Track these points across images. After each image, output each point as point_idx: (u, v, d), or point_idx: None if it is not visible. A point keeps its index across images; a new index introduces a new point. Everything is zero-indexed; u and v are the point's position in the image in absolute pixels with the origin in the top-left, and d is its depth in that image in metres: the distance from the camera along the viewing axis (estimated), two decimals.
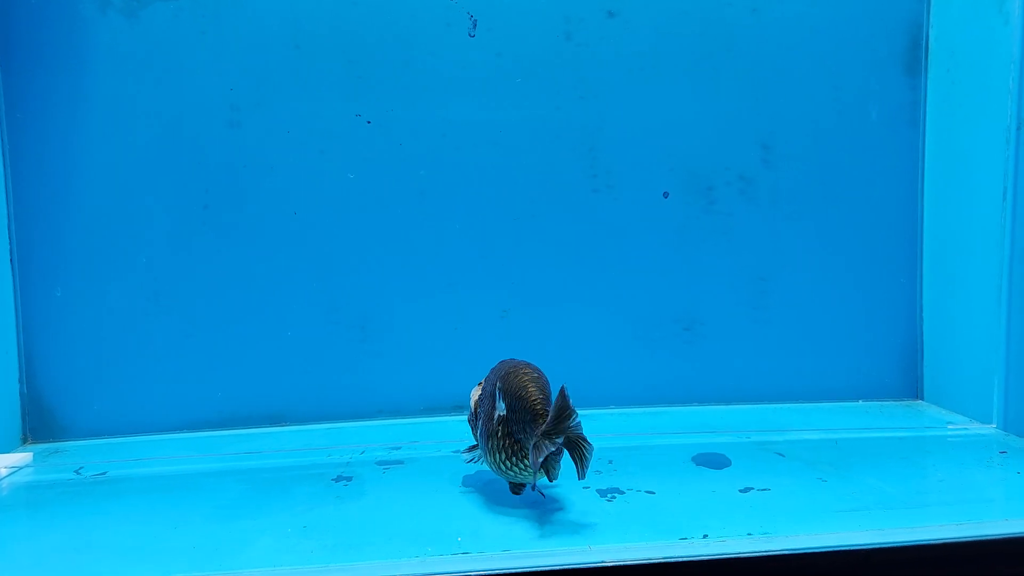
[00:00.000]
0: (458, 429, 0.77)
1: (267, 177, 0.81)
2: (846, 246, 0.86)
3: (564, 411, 0.46)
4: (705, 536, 0.45)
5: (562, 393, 0.45)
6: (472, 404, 0.57)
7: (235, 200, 0.80)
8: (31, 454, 0.69)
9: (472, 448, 0.59)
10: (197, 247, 0.80)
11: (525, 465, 0.49)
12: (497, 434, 0.50)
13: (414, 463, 0.65)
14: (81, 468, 0.67)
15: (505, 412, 0.50)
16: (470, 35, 0.82)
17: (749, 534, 0.45)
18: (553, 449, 0.46)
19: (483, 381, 0.57)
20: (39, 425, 0.78)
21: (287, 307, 0.81)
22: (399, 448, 0.70)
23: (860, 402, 0.86)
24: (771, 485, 0.56)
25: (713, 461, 0.63)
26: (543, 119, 0.83)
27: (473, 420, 0.56)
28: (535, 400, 0.48)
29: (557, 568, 0.41)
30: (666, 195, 0.85)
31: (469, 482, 0.59)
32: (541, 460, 0.46)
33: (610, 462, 0.63)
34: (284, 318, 0.81)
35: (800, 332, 0.87)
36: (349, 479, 0.61)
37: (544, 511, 0.52)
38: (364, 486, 0.59)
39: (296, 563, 0.43)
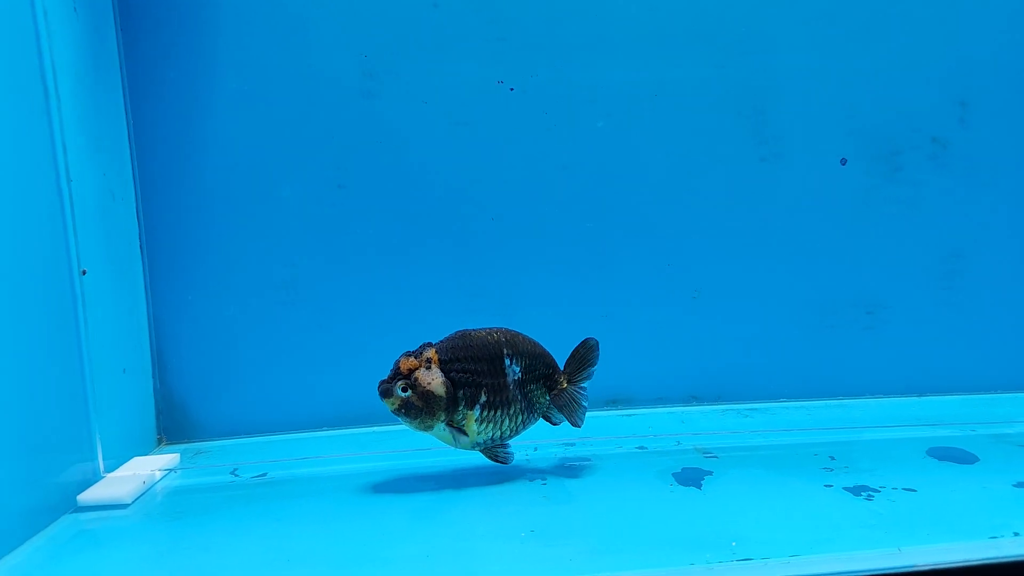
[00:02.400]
0: (624, 425, 0.74)
1: (402, 152, 0.78)
2: None
3: (587, 360, 0.58)
4: (1016, 534, 0.41)
5: (590, 344, 0.58)
6: (421, 389, 0.54)
7: (371, 178, 0.78)
8: (178, 455, 0.67)
9: (453, 426, 0.56)
10: (331, 230, 0.78)
11: (535, 418, 0.58)
12: (517, 398, 0.56)
13: (603, 460, 0.62)
14: (236, 469, 0.65)
15: (520, 375, 0.56)
16: None
17: None
18: (583, 394, 0.58)
19: (422, 363, 0.55)
20: (172, 425, 0.77)
21: (427, 292, 0.78)
22: (573, 445, 0.67)
23: None
24: None
25: (954, 455, 0.58)
26: (704, 79, 0.78)
27: (425, 405, 0.54)
28: (548, 355, 0.59)
29: (868, 574, 0.37)
30: (844, 162, 0.80)
31: (684, 479, 0.55)
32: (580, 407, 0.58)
33: (832, 458, 0.59)
34: (424, 304, 0.79)
35: (999, 316, 0.81)
36: (544, 478, 0.57)
37: (796, 511, 0.48)
38: (566, 486, 0.55)
39: (558, 571, 0.40)
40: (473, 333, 0.57)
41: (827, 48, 0.78)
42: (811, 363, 0.81)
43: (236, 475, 0.64)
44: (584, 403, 0.59)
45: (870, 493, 0.51)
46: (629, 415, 0.78)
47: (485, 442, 0.57)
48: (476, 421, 0.55)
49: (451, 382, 0.55)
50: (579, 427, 0.59)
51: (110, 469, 0.62)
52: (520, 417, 0.57)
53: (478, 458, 0.60)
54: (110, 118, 0.68)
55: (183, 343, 0.77)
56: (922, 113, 0.79)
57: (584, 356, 0.59)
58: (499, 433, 0.57)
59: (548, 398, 0.58)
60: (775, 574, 0.38)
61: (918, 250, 0.81)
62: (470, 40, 0.77)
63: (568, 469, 0.60)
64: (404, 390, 0.54)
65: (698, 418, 0.75)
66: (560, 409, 0.58)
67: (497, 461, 0.58)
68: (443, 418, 0.55)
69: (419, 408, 0.54)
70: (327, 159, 0.77)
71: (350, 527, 0.49)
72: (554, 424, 0.60)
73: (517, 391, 0.56)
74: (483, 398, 0.55)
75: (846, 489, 0.52)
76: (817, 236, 0.80)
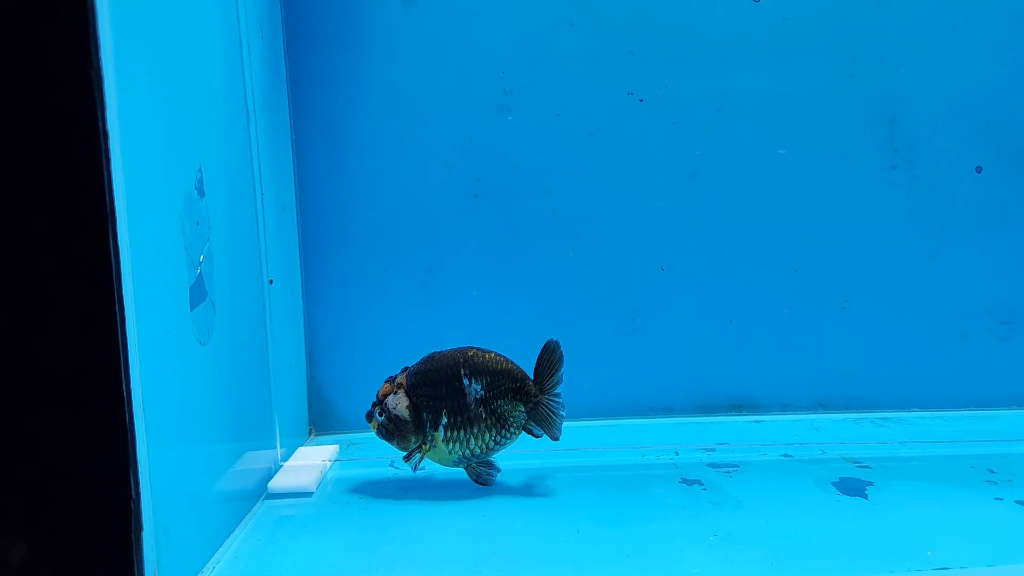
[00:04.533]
0: (757, 431, 0.74)
1: (535, 163, 0.79)
2: None
3: (552, 365, 0.56)
4: None
5: (550, 348, 0.56)
6: (390, 414, 0.57)
7: (504, 188, 0.80)
8: (337, 447, 0.71)
9: (412, 452, 0.58)
10: (467, 237, 0.80)
11: (512, 434, 0.57)
12: (482, 416, 0.55)
13: (750, 467, 0.62)
14: (392, 461, 0.68)
15: (483, 393, 0.55)
16: (754, 0, 0.78)
17: None
18: (558, 403, 0.57)
19: (394, 388, 0.58)
20: (319, 417, 0.81)
21: (555, 297, 0.80)
22: (713, 450, 0.68)
23: None
24: None
25: None
26: (835, 88, 0.78)
27: (396, 428, 0.57)
28: (514, 368, 0.57)
29: None
30: (979, 170, 0.77)
31: (846, 489, 0.55)
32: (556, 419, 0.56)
33: (991, 471, 0.58)
34: (552, 308, 0.80)
35: None
36: (700, 483, 0.58)
37: (974, 523, 0.48)
38: (727, 492, 0.56)
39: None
40: (436, 356, 0.58)
41: (961, 54, 0.77)
42: (943, 372, 0.79)
43: (395, 467, 0.66)
44: (561, 412, 0.57)
45: None
46: (758, 421, 0.78)
47: (462, 460, 0.57)
48: (443, 441, 0.56)
49: (415, 406, 0.56)
50: (557, 440, 0.57)
51: (284, 458, 0.66)
52: (488, 435, 0.56)
53: (630, 461, 0.62)
54: (281, 134, 0.72)
55: (330, 340, 0.81)
56: None
57: (548, 362, 0.57)
58: (468, 451, 0.57)
59: (523, 411, 0.57)
60: None
61: None
62: (602, 55, 0.78)
63: (720, 475, 0.60)
64: (380, 414, 0.58)
65: (831, 426, 0.74)
66: (538, 423, 0.57)
67: (478, 482, 0.58)
68: (414, 441, 0.57)
69: (392, 431, 0.57)
70: (465, 170, 0.79)
71: (534, 523, 0.51)
72: (535, 437, 0.58)
73: (481, 409, 0.56)
74: (444, 419, 0.56)
75: (1018, 502, 0.51)
76: (950, 244, 0.78)
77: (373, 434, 0.78)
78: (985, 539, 0.45)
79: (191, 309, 0.44)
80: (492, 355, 0.57)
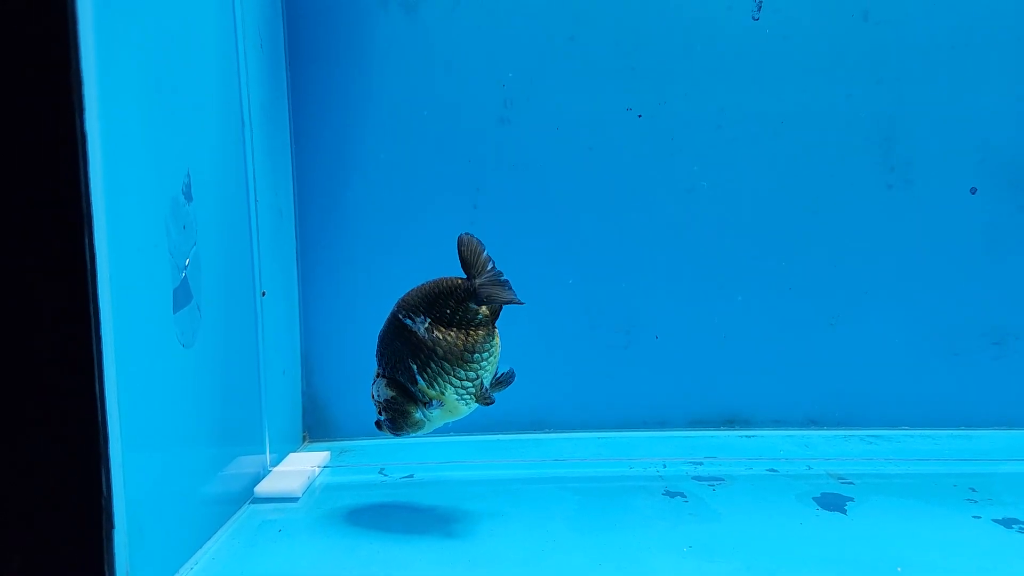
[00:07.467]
0: (746, 446, 0.73)
1: (535, 175, 0.80)
2: None
3: (473, 254, 0.53)
4: None
5: (462, 242, 0.53)
6: (381, 404, 0.55)
7: (503, 199, 0.80)
8: (328, 453, 0.71)
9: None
10: None
11: (485, 334, 0.52)
12: (439, 339, 0.52)
13: (735, 481, 0.62)
14: (383, 469, 0.68)
15: (429, 321, 0.52)
16: (753, 18, 0.78)
17: None
18: (495, 278, 0.53)
19: (379, 373, 0.55)
20: (315, 423, 0.81)
21: (550, 309, 0.80)
22: (701, 464, 0.67)
23: None
24: None
25: None
26: (832, 107, 0.77)
27: (394, 411, 0.54)
28: (441, 281, 0.54)
29: None
30: (974, 191, 0.77)
31: (826, 504, 0.55)
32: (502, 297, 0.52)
33: (973, 489, 0.57)
34: (547, 320, 0.80)
35: None
36: (683, 495, 0.58)
37: (949, 541, 0.47)
38: (708, 504, 0.56)
39: None
40: (387, 329, 0.55)
41: (959, 75, 0.76)
42: (936, 392, 0.78)
43: (385, 475, 0.66)
44: (503, 286, 0.53)
45: (1022, 526, 0.49)
46: (749, 436, 0.77)
47: (463, 393, 0.53)
48: (428, 387, 0.53)
49: (388, 379, 0.54)
50: (522, 303, 0.53)
51: (274, 464, 0.66)
52: (457, 348, 0.52)
53: (616, 473, 0.61)
54: (280, 143, 0.73)
55: (327, 347, 0.81)
56: None
57: (469, 252, 0.53)
58: (456, 380, 0.52)
59: (475, 307, 0.52)
60: None
61: None
62: (602, 70, 0.78)
63: (703, 488, 0.60)
64: (380, 414, 0.55)
65: (821, 443, 0.74)
66: (490, 303, 0.53)
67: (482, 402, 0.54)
68: (416, 408, 0.54)
69: (393, 418, 0.54)
70: (465, 182, 0.80)
71: (515, 533, 0.50)
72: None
73: (436, 333, 0.52)
74: (413, 366, 0.52)
75: (995, 521, 0.50)
76: (945, 264, 0.78)
77: (367, 442, 0.78)
78: (958, 556, 0.45)
79: (174, 311, 0.44)
80: (418, 287, 0.55)
